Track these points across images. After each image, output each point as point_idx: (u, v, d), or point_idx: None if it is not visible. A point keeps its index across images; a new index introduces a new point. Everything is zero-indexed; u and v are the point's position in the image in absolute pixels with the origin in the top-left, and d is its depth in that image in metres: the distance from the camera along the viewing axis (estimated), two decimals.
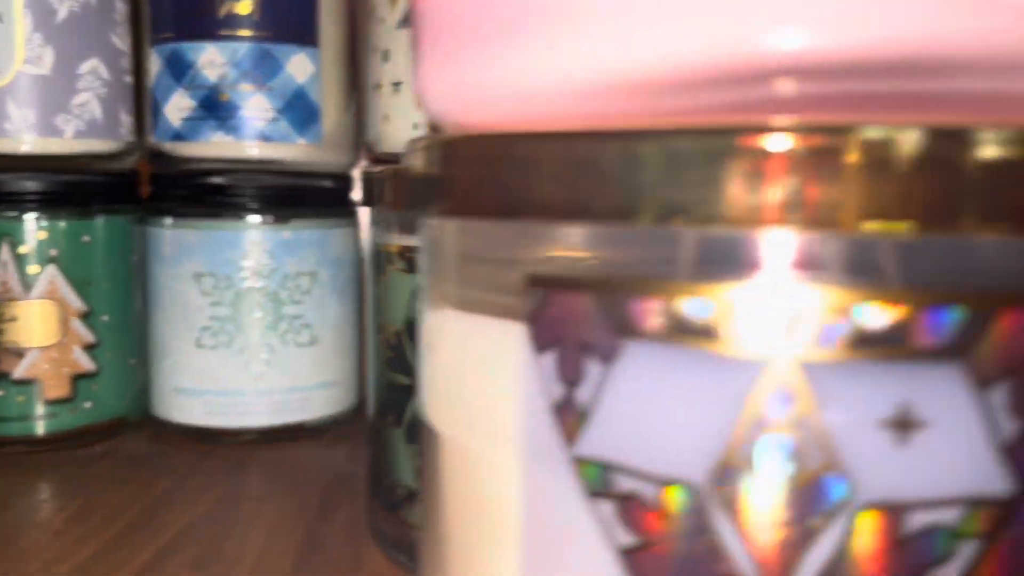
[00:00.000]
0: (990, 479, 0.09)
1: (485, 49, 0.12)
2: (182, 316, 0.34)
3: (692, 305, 0.09)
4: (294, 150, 0.34)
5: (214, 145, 0.34)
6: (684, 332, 0.09)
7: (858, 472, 0.09)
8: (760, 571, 0.09)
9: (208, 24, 0.34)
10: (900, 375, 0.09)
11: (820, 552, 0.09)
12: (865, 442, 0.09)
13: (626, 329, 0.10)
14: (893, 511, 0.09)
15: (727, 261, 0.09)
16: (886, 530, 0.09)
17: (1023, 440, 0.09)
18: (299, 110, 0.34)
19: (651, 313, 0.09)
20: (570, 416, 0.10)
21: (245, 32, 0.34)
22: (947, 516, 0.09)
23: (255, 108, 0.34)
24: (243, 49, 0.34)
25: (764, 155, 0.09)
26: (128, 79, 0.35)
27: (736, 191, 0.09)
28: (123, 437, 0.35)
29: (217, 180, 0.34)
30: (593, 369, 0.10)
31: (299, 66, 0.34)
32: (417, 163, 0.12)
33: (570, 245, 0.11)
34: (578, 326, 0.10)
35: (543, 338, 0.10)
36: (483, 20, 0.12)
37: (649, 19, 0.11)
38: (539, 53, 0.11)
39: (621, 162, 0.10)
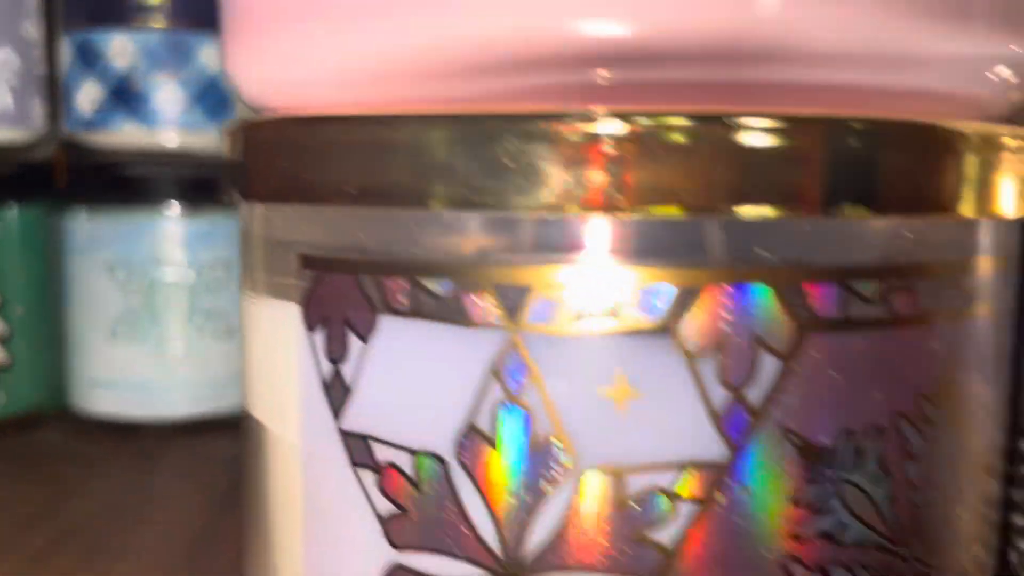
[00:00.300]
0: (704, 444, 0.09)
1: (287, 32, 0.12)
2: (96, 307, 0.34)
3: (435, 281, 0.10)
4: (208, 139, 0.34)
5: (126, 135, 0.34)
6: (429, 307, 0.10)
7: (582, 438, 0.09)
8: (499, 534, 0.10)
9: (119, 13, 0.34)
10: (618, 347, 0.09)
11: (551, 514, 0.10)
12: (588, 410, 0.09)
13: (381, 306, 0.10)
14: (615, 474, 0.09)
15: (468, 240, 0.10)
16: (609, 492, 0.09)
17: (732, 407, 0.09)
18: (212, 99, 0.34)
19: (400, 290, 0.10)
20: (337, 391, 0.11)
21: (157, 22, 0.34)
22: (665, 479, 0.09)
23: (167, 97, 0.34)
24: (155, 38, 0.34)
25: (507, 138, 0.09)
26: (41, 68, 0.35)
27: (485, 175, 0.10)
28: (38, 429, 0.35)
29: (130, 170, 0.34)
30: (355, 346, 0.10)
31: (212, 55, 0.34)
32: (226, 147, 0.13)
33: (344, 227, 0.11)
34: (342, 305, 0.10)
35: (313, 317, 0.11)
36: (285, 3, 0.13)
37: (461, 4, 0.11)
38: (347, 37, 0.12)
39: (385, 147, 0.10)
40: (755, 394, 0.09)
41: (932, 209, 0.10)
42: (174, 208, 0.34)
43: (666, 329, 0.09)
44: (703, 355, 0.09)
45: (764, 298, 0.09)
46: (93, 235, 0.34)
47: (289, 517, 0.12)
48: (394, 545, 0.10)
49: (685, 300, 0.09)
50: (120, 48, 0.33)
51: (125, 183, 0.34)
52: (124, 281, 0.34)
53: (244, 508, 0.14)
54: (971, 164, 0.11)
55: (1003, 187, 0.11)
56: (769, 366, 0.09)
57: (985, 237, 0.11)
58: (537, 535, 0.10)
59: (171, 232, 0.34)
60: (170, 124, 0.34)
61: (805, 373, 0.09)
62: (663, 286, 0.09)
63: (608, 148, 0.09)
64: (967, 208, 0.11)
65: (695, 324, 0.09)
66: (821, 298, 0.09)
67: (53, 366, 0.36)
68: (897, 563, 0.10)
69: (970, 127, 0.11)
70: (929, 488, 0.10)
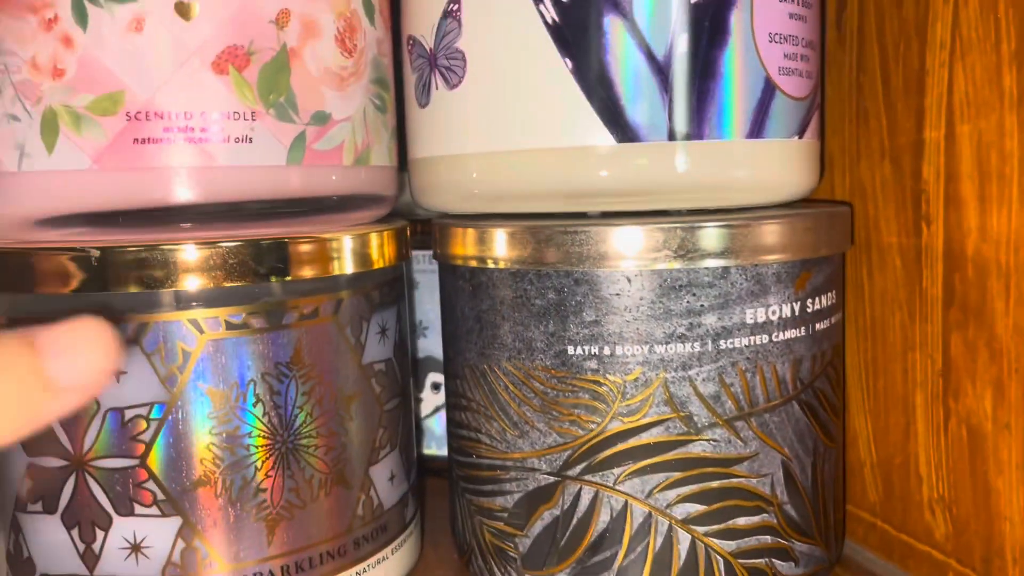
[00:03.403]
0: (156, 394, 0.20)
1: None
2: None
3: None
4: None
5: None
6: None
7: (105, 399, 0.20)
8: (71, 442, 0.21)
9: None
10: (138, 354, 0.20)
11: (95, 430, 0.20)
12: (142, 380, 0.20)
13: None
14: (120, 410, 0.20)
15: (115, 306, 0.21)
16: (116, 423, 0.20)
17: (170, 377, 0.20)
18: None
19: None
20: None
21: None
22: (144, 409, 0.20)
23: None
24: None
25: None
26: None
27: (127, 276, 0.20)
28: None
29: None
30: None
31: None
32: None
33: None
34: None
35: None
36: None
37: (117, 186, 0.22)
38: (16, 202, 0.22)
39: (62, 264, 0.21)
40: (183, 368, 0.20)
41: (314, 273, 0.22)
42: None
43: (136, 340, 0.20)
44: (154, 353, 0.20)
45: (184, 324, 0.20)
46: None
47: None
48: (28, 454, 0.21)
49: (139, 330, 0.20)
50: None
51: None
52: None
53: None
54: (331, 250, 0.22)
55: (349, 259, 0.23)
56: (189, 354, 0.20)
57: (305, 287, 0.23)
58: (88, 439, 0.21)
59: None
60: None
61: (208, 357, 0.21)
62: (130, 324, 0.20)
63: (173, 259, 0.20)
64: (324, 272, 0.22)
65: (149, 338, 0.20)
66: (209, 324, 0.21)
67: None
68: (278, 446, 0.22)
69: (322, 235, 0.22)
70: (296, 405, 0.22)
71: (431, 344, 0.35)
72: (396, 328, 0.26)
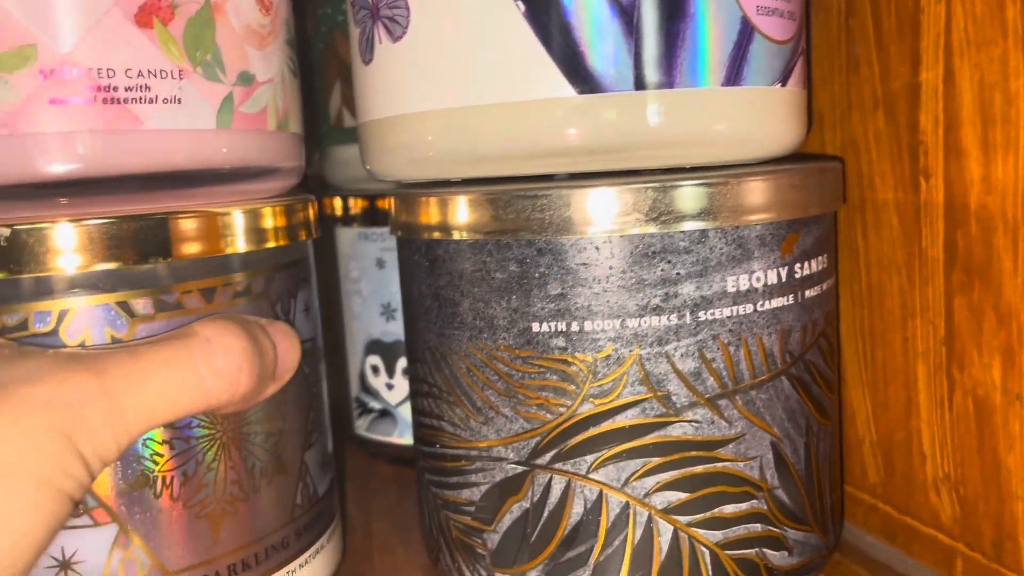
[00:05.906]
0: None
1: None
2: None
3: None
4: None
5: None
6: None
7: None
8: None
9: None
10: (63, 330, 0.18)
11: None
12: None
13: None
14: None
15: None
16: None
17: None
18: None
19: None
20: None
21: None
22: None
23: None
24: None
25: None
26: None
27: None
28: None
29: None
30: None
31: None
32: None
33: None
34: None
35: None
36: None
37: None
38: None
39: None
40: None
41: (204, 253, 0.20)
42: None
43: (56, 330, 0.18)
44: (78, 344, 0.18)
45: (113, 306, 0.18)
46: None
47: None
48: None
49: (60, 317, 0.18)
50: None
51: None
52: None
53: None
54: (238, 225, 0.20)
55: (241, 238, 0.21)
56: (119, 341, 0.19)
57: (236, 262, 0.21)
58: None
59: None
60: None
61: (142, 336, 0.19)
62: (50, 312, 0.18)
63: (96, 235, 0.18)
64: (256, 245, 0.20)
65: (72, 326, 0.18)
66: (141, 305, 0.19)
67: None
68: (219, 435, 0.20)
69: (252, 206, 0.20)
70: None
71: (401, 328, 0.33)
72: (316, 306, 0.24)
